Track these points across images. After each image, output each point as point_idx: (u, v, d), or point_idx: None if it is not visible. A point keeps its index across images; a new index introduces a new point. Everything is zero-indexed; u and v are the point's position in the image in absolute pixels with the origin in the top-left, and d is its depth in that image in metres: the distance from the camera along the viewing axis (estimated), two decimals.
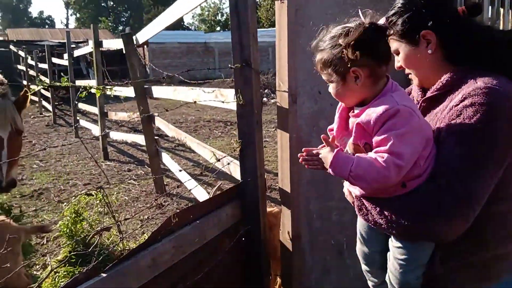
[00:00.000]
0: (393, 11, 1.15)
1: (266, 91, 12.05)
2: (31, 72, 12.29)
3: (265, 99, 11.58)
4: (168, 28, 3.58)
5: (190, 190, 3.16)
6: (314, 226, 1.99)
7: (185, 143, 3.74)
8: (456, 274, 1.12)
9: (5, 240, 1.84)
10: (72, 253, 2.19)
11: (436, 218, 0.99)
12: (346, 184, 1.26)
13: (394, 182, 1.02)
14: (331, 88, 1.13)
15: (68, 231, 2.79)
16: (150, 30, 4.07)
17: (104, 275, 1.29)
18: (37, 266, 3.06)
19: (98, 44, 5.96)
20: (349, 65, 1.04)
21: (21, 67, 15.04)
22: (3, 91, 2.46)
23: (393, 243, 1.14)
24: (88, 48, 6.86)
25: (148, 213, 4.09)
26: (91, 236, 2.62)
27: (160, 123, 4.43)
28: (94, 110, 6.84)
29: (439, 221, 0.99)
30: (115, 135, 6.49)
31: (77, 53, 8.19)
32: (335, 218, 2.03)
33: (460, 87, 1.06)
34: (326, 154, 1.10)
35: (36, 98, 12.03)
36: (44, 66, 10.38)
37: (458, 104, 1.02)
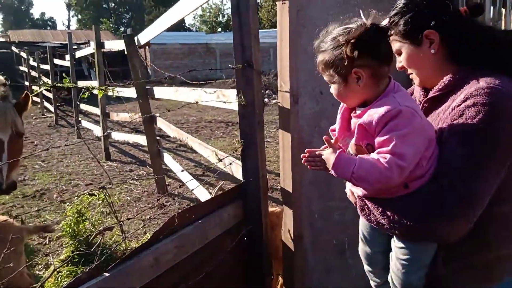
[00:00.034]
0: (394, 11, 1.15)
1: (267, 91, 12.05)
2: (33, 73, 12.32)
3: (266, 99, 11.58)
4: (169, 29, 3.59)
5: (192, 190, 3.16)
6: (316, 226, 2.00)
7: (187, 144, 3.74)
8: (458, 275, 1.12)
9: (8, 240, 1.85)
10: (74, 253, 2.20)
11: (438, 219, 0.99)
12: (348, 184, 1.25)
13: (396, 183, 1.02)
14: (333, 89, 1.13)
15: (70, 231, 2.80)
16: (152, 31, 4.08)
17: (106, 274, 1.30)
18: (40, 266, 3.07)
19: (100, 45, 5.97)
20: (350, 66, 1.04)
21: (23, 68, 15.07)
22: (4, 93, 2.46)
23: (395, 243, 1.14)
24: (90, 49, 6.88)
25: (150, 213, 4.10)
26: (93, 236, 2.63)
27: (161, 123, 4.44)
28: (96, 111, 6.85)
29: (441, 221, 0.99)
30: (117, 135, 6.50)
31: (78, 54, 8.21)
32: (337, 218, 2.03)
33: (462, 87, 1.06)
34: (328, 156, 1.10)
35: (38, 99, 12.07)
36: (46, 67, 10.40)
37: (460, 104, 1.02)
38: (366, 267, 1.34)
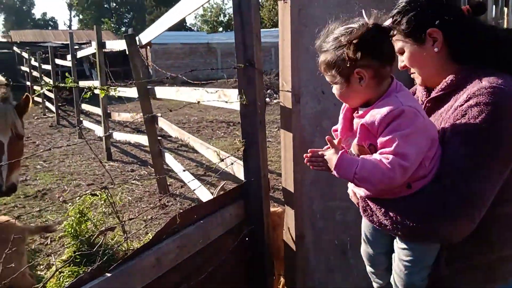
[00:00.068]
0: (397, 10, 1.14)
1: (268, 91, 12.04)
2: (35, 73, 12.35)
3: (267, 99, 11.57)
4: (170, 29, 3.59)
5: (194, 190, 3.16)
6: (317, 226, 1.99)
7: (188, 144, 3.74)
8: (461, 276, 1.12)
9: (10, 240, 1.85)
10: (76, 253, 2.20)
11: (441, 219, 0.99)
12: (350, 185, 1.25)
13: (399, 183, 1.01)
14: (335, 89, 1.13)
15: (72, 231, 2.80)
16: (153, 31, 4.08)
17: (108, 275, 1.30)
18: (41, 266, 3.07)
19: (101, 45, 5.98)
20: (353, 66, 1.04)
21: (24, 68, 15.10)
22: (5, 95, 2.46)
23: (398, 244, 1.14)
24: (91, 49, 6.89)
25: (151, 213, 4.10)
26: (95, 236, 2.63)
27: (163, 123, 4.44)
28: (97, 111, 6.86)
29: (444, 222, 0.99)
30: (118, 135, 6.51)
31: (80, 54, 8.23)
32: (339, 218, 2.02)
33: (465, 87, 1.06)
34: (330, 156, 1.10)
35: (39, 99, 12.10)
36: (48, 67, 10.43)
37: (463, 104, 1.02)
38: (369, 268, 1.33)
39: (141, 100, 4.47)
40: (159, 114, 4.52)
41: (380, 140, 1.02)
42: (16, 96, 2.61)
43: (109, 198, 1.37)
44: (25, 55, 13.85)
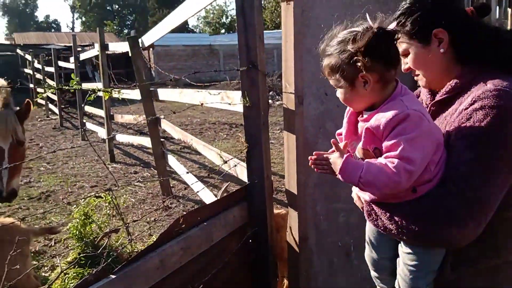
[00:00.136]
0: (400, 12, 1.13)
1: (271, 93, 12.04)
2: (38, 76, 12.41)
3: (270, 101, 11.57)
4: (173, 31, 3.60)
5: (197, 192, 3.16)
6: (321, 227, 1.99)
7: (191, 145, 3.75)
8: (467, 281, 1.11)
9: (14, 242, 1.86)
10: (81, 255, 2.20)
11: (447, 224, 0.98)
12: (355, 189, 1.24)
13: (404, 187, 1.01)
14: (339, 93, 1.12)
15: (77, 233, 2.81)
16: (156, 33, 4.09)
17: (113, 276, 1.30)
18: (46, 268, 3.08)
19: (104, 47, 6.00)
20: (357, 71, 1.03)
21: (28, 70, 15.18)
22: (6, 100, 2.47)
23: (403, 248, 1.13)
24: (94, 51, 6.91)
25: (155, 215, 4.10)
26: (100, 238, 2.64)
27: (166, 125, 4.45)
28: (101, 113, 6.89)
29: (450, 226, 0.98)
30: (121, 137, 6.53)
31: (83, 56, 8.25)
32: (342, 220, 2.02)
33: (469, 90, 1.05)
34: (335, 160, 1.09)
35: (43, 101, 12.14)
36: (51, 69, 10.47)
37: (467, 108, 1.01)
38: (373, 273, 1.32)
39: (144, 102, 4.48)
40: (162, 116, 4.53)
41: (385, 144, 1.01)
42: (20, 99, 2.62)
43: (113, 200, 1.37)
44: (28, 57, 13.92)
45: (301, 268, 1.97)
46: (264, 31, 1.87)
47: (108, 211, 3.04)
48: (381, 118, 1.02)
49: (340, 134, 1.23)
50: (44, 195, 4.86)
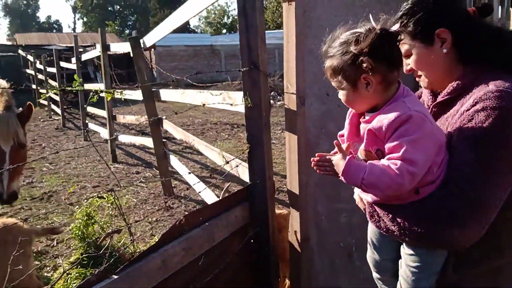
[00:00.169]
0: (402, 12, 1.13)
1: (272, 93, 12.04)
2: (40, 76, 12.45)
3: (271, 101, 11.57)
4: (174, 31, 3.61)
5: (199, 192, 3.17)
6: (322, 228, 1.99)
7: (193, 146, 3.75)
8: (469, 281, 1.11)
9: (17, 243, 1.86)
10: (84, 255, 2.21)
11: (449, 225, 0.98)
12: (357, 190, 1.24)
13: (407, 189, 1.01)
14: (342, 95, 1.12)
15: (80, 233, 2.82)
16: (157, 33, 4.10)
17: (115, 277, 1.30)
18: (48, 268, 3.09)
19: (105, 47, 6.01)
20: (360, 72, 1.03)
21: (29, 71, 15.23)
22: (8, 103, 2.47)
23: (405, 250, 1.13)
24: (96, 52, 6.92)
25: (156, 215, 4.11)
26: (102, 238, 2.64)
27: (168, 125, 4.46)
28: (103, 113, 6.90)
29: (452, 228, 0.98)
30: (123, 138, 6.54)
31: (84, 57, 8.27)
32: (344, 220, 2.02)
33: (471, 91, 1.05)
34: (338, 161, 1.09)
35: (45, 102, 12.18)
36: (53, 70, 10.50)
37: (469, 109, 1.01)
38: (375, 275, 1.32)
39: (146, 102, 4.49)
40: (164, 117, 4.54)
41: (388, 145, 1.01)
42: (22, 99, 2.62)
43: (116, 200, 1.38)
44: (30, 58, 13.96)
45: (303, 268, 1.97)
46: (266, 31, 1.87)
47: (110, 212, 3.05)
48: (383, 119, 1.02)
49: (342, 136, 1.22)
50: (47, 195, 4.88)
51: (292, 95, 1.81)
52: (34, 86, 13.15)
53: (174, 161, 4.47)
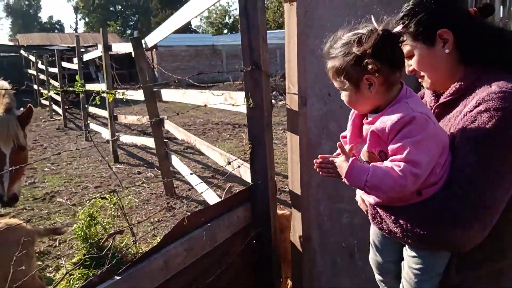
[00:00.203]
0: (403, 13, 1.13)
1: (274, 93, 12.04)
2: (42, 77, 12.47)
3: (273, 101, 11.57)
4: (175, 31, 3.61)
5: (202, 193, 3.17)
6: (324, 228, 1.99)
7: (195, 146, 3.76)
8: (472, 283, 1.10)
9: (19, 243, 1.87)
10: (86, 256, 2.21)
11: (452, 227, 0.98)
12: (359, 191, 1.24)
13: (410, 191, 1.00)
14: (344, 96, 1.11)
15: (82, 234, 2.82)
16: (159, 34, 4.10)
17: (117, 277, 1.31)
18: (50, 268, 3.10)
19: (107, 48, 6.02)
20: (362, 73, 1.03)
21: (31, 71, 15.26)
22: (9, 105, 2.47)
23: (407, 252, 1.12)
24: (98, 52, 6.94)
25: (158, 216, 4.11)
26: (105, 239, 2.65)
27: (169, 126, 4.46)
28: (104, 113, 6.91)
29: (455, 229, 0.97)
30: (125, 138, 6.55)
31: (86, 57, 8.28)
32: (346, 221, 2.02)
33: (474, 92, 1.04)
34: (341, 163, 1.08)
35: (47, 102, 12.21)
36: (54, 70, 10.52)
37: (472, 110, 1.00)
38: (377, 277, 1.31)
39: (147, 103, 4.49)
40: (165, 117, 4.54)
41: (391, 147, 1.00)
42: (24, 100, 2.62)
43: (119, 201, 1.38)
44: (32, 58, 13.99)
45: (305, 268, 1.97)
46: (267, 31, 1.87)
47: (112, 212, 3.06)
48: (386, 120, 1.01)
49: (345, 137, 1.22)
50: (49, 196, 4.89)
51: (293, 95, 1.81)
52: (36, 86, 13.19)
53: (176, 161, 4.48)
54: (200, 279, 1.68)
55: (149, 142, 5.26)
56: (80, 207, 3.45)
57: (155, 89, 4.49)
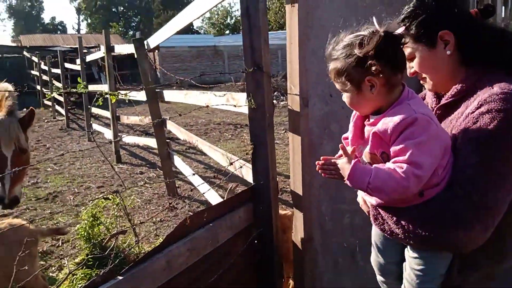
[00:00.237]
0: (404, 15, 1.13)
1: (275, 93, 12.04)
2: (45, 77, 12.51)
3: (274, 101, 11.57)
4: (177, 32, 3.63)
5: (204, 193, 3.18)
6: (326, 228, 1.99)
7: (197, 146, 3.77)
8: (474, 285, 1.10)
9: (23, 243, 1.88)
10: (89, 256, 2.22)
11: (454, 228, 0.98)
12: (361, 192, 1.24)
13: (413, 192, 1.00)
14: (346, 97, 1.12)
15: (85, 234, 2.84)
16: (161, 35, 4.12)
17: (120, 278, 1.31)
18: (53, 268, 3.11)
19: (110, 49, 6.04)
20: (364, 74, 1.03)
21: (34, 72, 15.32)
22: (11, 108, 2.48)
23: (409, 253, 1.12)
24: (100, 53, 6.96)
25: (161, 216, 4.13)
26: (107, 239, 2.66)
27: (171, 126, 4.48)
28: (107, 114, 6.94)
29: (457, 231, 0.97)
30: (127, 138, 6.57)
31: (89, 58, 8.31)
32: (347, 221, 2.02)
33: (475, 93, 1.04)
34: (343, 165, 1.08)
35: (49, 103, 12.24)
36: (57, 71, 10.56)
37: (474, 111, 1.00)
38: (379, 278, 1.31)
39: (150, 103, 4.51)
40: (167, 117, 4.55)
41: (393, 148, 1.01)
42: (27, 100, 2.63)
43: (122, 202, 1.39)
44: (35, 59, 14.05)
45: (306, 268, 1.98)
46: (269, 32, 1.88)
47: (115, 213, 3.07)
48: (388, 122, 1.01)
49: (346, 138, 1.22)
50: (52, 196, 4.91)
51: (295, 96, 1.82)
52: (38, 87, 13.24)
53: (178, 161, 4.49)
54: (202, 279, 1.69)
55: (151, 142, 5.27)
56: (83, 207, 3.46)
57: (157, 90, 4.51)
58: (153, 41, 4.40)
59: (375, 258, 1.29)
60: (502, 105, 0.96)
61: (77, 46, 8.50)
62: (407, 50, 1.14)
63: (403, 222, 1.05)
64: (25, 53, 18.17)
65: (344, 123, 1.23)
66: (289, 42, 1.80)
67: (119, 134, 6.78)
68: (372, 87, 1.04)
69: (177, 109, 10.78)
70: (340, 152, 1.12)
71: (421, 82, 1.20)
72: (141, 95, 4.78)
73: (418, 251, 1.09)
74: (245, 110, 1.99)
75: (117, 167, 6.21)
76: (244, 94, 1.97)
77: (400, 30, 1.10)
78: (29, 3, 59.23)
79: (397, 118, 1.00)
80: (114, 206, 2.92)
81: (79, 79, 1.96)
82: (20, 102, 2.68)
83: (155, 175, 5.71)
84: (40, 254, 3.21)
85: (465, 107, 1.06)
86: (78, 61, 8.61)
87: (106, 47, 6.01)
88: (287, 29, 1.82)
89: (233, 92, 2.35)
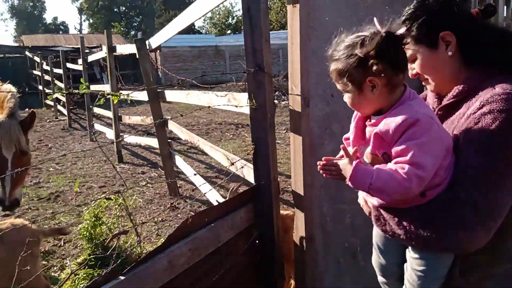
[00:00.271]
0: (405, 17, 1.13)
1: (276, 93, 12.04)
2: (47, 77, 12.55)
3: (276, 101, 11.56)
4: (179, 32, 3.63)
5: (205, 193, 3.18)
6: (327, 228, 1.99)
7: (198, 146, 3.77)
8: (475, 285, 1.10)
9: (25, 243, 1.89)
10: (91, 256, 2.23)
11: (456, 229, 0.98)
12: (362, 193, 1.24)
13: (415, 193, 1.00)
14: (347, 98, 1.11)
15: (88, 234, 2.84)
16: (163, 35, 4.12)
17: (122, 278, 1.31)
18: (55, 268, 3.12)
19: (111, 49, 6.05)
20: (365, 75, 1.03)
21: (36, 72, 15.35)
22: (12, 110, 2.48)
23: (411, 254, 1.12)
24: (102, 53, 6.97)
25: (162, 216, 4.13)
26: (109, 239, 2.67)
27: (173, 126, 4.48)
28: (108, 114, 6.95)
29: (459, 232, 0.97)
30: (129, 138, 6.58)
31: (91, 58, 8.32)
32: (348, 221, 2.02)
33: (477, 94, 1.04)
34: (345, 166, 1.08)
35: (51, 103, 12.27)
36: (59, 71, 10.57)
37: (476, 112, 1.00)
38: (381, 279, 1.31)
39: (151, 103, 4.52)
40: (169, 117, 4.56)
41: (395, 149, 1.01)
42: (29, 100, 2.64)
43: (123, 202, 1.39)
44: (37, 59, 14.07)
45: (307, 268, 1.98)
46: (270, 32, 1.88)
47: (117, 213, 3.07)
48: (390, 122, 1.01)
49: (348, 139, 1.22)
50: (53, 196, 4.92)
51: (296, 96, 1.82)
52: (40, 87, 13.26)
53: (179, 161, 4.50)
54: (203, 279, 1.69)
55: (153, 142, 5.28)
56: (85, 207, 3.47)
57: (159, 90, 4.51)
58: (155, 41, 4.40)
59: (376, 259, 1.29)
60: (504, 106, 0.96)
61: (79, 46, 8.52)
62: (408, 52, 1.14)
63: (404, 223, 1.05)
64: (27, 53, 18.20)
65: (346, 123, 1.23)
66: (290, 42, 1.80)
67: (121, 134, 6.79)
68: (373, 87, 1.04)
69: (179, 109, 10.79)
70: (342, 152, 1.11)
71: (423, 83, 1.20)
72: (142, 95, 4.79)
73: (420, 252, 1.09)
74: (246, 110, 1.99)
75: (118, 167, 6.22)
76: (246, 94, 1.97)
77: (401, 31, 1.09)
78: (31, 3, 59.35)
79: (399, 119, 1.00)
80: (116, 206, 2.93)
81: (81, 80, 1.96)
82: (22, 102, 2.68)
83: (156, 175, 5.72)
84: (42, 254, 3.22)
85: (466, 108, 1.06)
86: (80, 61, 8.62)
87: (108, 47, 6.02)
88: (288, 30, 1.82)
89: (234, 92, 2.36)
